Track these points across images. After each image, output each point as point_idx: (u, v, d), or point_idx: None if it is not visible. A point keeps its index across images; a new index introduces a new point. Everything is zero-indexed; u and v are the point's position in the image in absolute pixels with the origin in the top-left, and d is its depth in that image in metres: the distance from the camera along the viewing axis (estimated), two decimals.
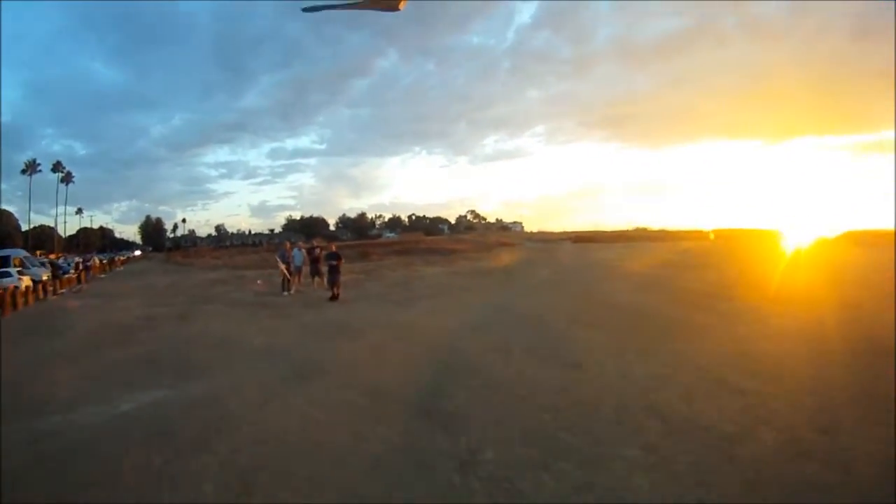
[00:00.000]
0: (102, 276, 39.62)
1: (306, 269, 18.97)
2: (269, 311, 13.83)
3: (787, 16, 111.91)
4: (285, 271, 18.17)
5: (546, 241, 76.81)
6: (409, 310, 13.08)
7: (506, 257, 36.98)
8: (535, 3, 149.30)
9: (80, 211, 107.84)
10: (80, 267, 36.78)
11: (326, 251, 17.39)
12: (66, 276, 30.23)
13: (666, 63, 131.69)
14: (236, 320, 12.61)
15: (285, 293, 17.53)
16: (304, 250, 19.30)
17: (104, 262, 49.15)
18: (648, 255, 34.87)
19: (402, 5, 3.66)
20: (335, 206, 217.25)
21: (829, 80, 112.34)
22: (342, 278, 16.19)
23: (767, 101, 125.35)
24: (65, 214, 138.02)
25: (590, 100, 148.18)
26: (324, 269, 17.64)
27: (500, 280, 20.91)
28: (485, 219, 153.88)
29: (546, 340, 8.95)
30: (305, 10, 3.78)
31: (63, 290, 24.44)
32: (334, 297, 15.27)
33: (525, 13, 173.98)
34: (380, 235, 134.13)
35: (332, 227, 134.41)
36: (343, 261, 16.35)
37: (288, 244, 19.81)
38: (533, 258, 36.55)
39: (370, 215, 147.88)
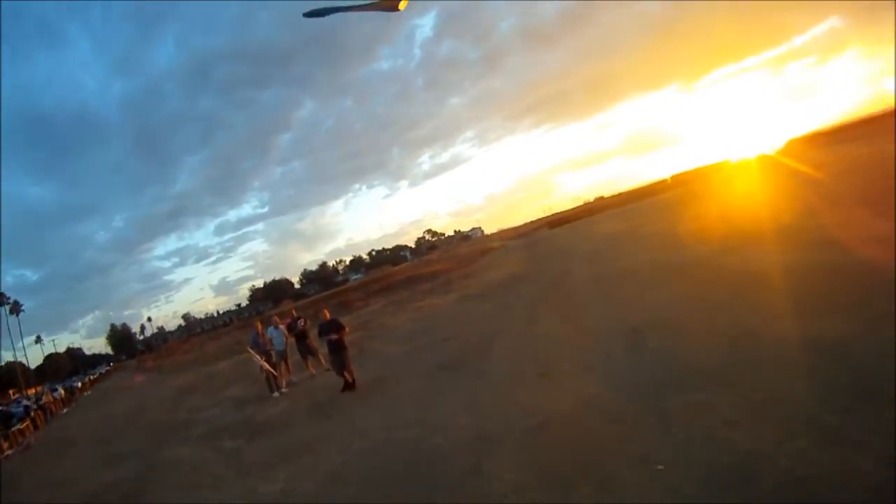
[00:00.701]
0: (65, 410, 33.95)
1: (293, 353, 13.84)
2: (265, 442, 8.65)
3: None
4: (266, 365, 12.70)
5: (521, 235, 72.79)
6: (482, 382, 8.11)
7: (507, 262, 32.35)
8: (433, 14, 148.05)
9: (38, 339, 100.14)
10: (35, 409, 30.48)
11: (321, 321, 11.17)
12: (18, 426, 24.10)
13: (572, 36, 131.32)
14: (217, 481, 7.40)
15: (276, 394, 12.36)
16: (282, 327, 13.74)
17: (63, 394, 42.39)
18: (643, 217, 31.55)
19: (402, 5, 3.70)
20: (294, 265, 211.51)
21: (735, 7, 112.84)
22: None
23: (681, 43, 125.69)
24: (23, 347, 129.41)
25: (509, 92, 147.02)
26: (317, 345, 12.73)
27: (544, 288, 16.12)
28: (443, 234, 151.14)
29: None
30: (307, 15, 3.72)
31: (9, 452, 18.52)
32: (349, 387, 10.20)
33: (426, 26, 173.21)
34: (347, 280, 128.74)
35: (297, 286, 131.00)
36: (347, 329, 10.68)
37: (258, 324, 14.01)
38: (538, 253, 32.20)
39: (331, 263, 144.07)
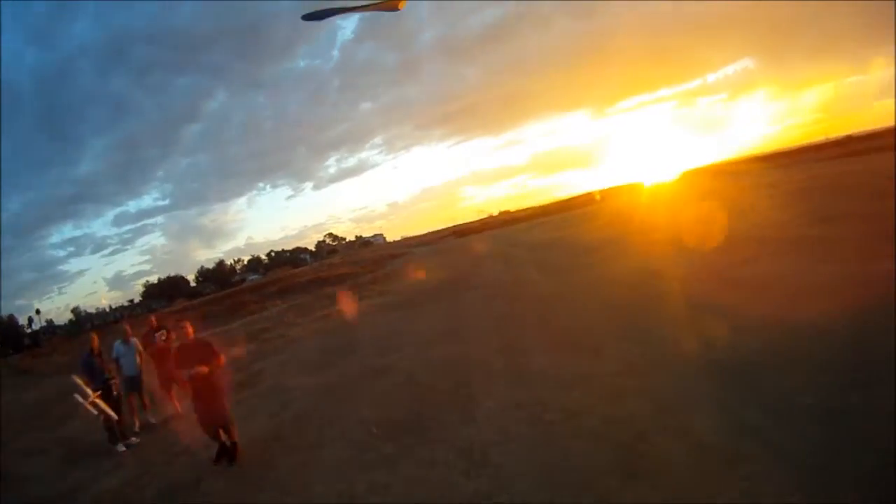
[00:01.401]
0: None
1: (151, 379, 9.05)
2: None
3: None
4: (102, 405, 7.70)
5: (426, 243, 69.59)
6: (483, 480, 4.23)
7: (425, 266, 28.77)
8: (357, 16, 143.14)
9: None
10: None
11: (180, 341, 6.21)
12: None
13: (491, 52, 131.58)
14: None
15: (120, 446, 7.74)
16: (134, 340, 8.87)
17: None
18: (572, 226, 29.49)
19: (402, 5, 3.78)
20: (192, 262, 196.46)
21: (650, 40, 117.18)
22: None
23: (598, 69, 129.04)
24: None
25: (422, 101, 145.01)
26: (186, 373, 6.18)
27: (497, 297, 12.40)
28: (344, 239, 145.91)
29: None
30: (305, 18, 3.68)
31: None
32: (226, 454, 5.92)
33: (347, 29, 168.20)
34: (243, 280, 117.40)
35: (193, 284, 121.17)
36: (222, 360, 5.97)
37: (94, 337, 8.47)
38: (458, 259, 28.85)
39: (229, 261, 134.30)
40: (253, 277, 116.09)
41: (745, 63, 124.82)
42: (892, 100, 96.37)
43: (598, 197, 63.74)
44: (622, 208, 36.87)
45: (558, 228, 32.82)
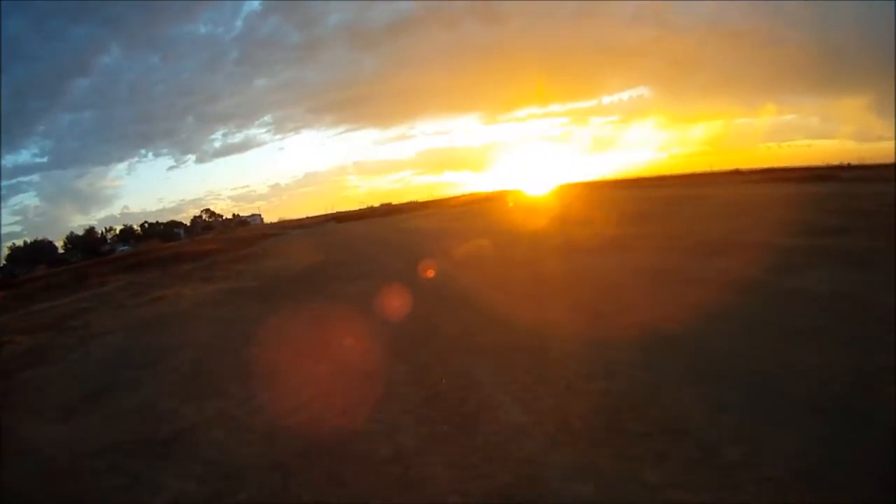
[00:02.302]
0: None
1: None
2: None
3: None
4: None
5: (304, 226, 65.03)
6: None
7: (296, 249, 25.11)
8: None
9: None
10: None
11: None
12: None
13: (394, 45, 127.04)
14: None
15: None
16: None
17: None
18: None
19: None
20: (65, 227, 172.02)
21: (553, 56, 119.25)
22: None
23: (494, 76, 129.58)
24: None
25: (318, 85, 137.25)
26: None
27: (387, 287, 9.60)
28: (221, 216, 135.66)
29: None
30: None
31: None
32: None
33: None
34: (113, 250, 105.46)
35: (60, 250, 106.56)
36: None
37: None
38: (333, 241, 25.42)
39: (100, 229, 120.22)
40: (122, 248, 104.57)
41: (641, 91, 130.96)
42: (776, 143, 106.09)
43: (475, 197, 63.57)
44: (500, 210, 37.16)
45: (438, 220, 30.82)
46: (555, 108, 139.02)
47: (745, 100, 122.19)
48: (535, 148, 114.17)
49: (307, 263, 16.54)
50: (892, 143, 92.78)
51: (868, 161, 56.31)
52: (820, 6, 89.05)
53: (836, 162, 60.21)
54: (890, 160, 54.62)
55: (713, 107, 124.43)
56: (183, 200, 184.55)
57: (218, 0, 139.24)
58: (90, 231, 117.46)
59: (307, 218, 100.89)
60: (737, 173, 58.90)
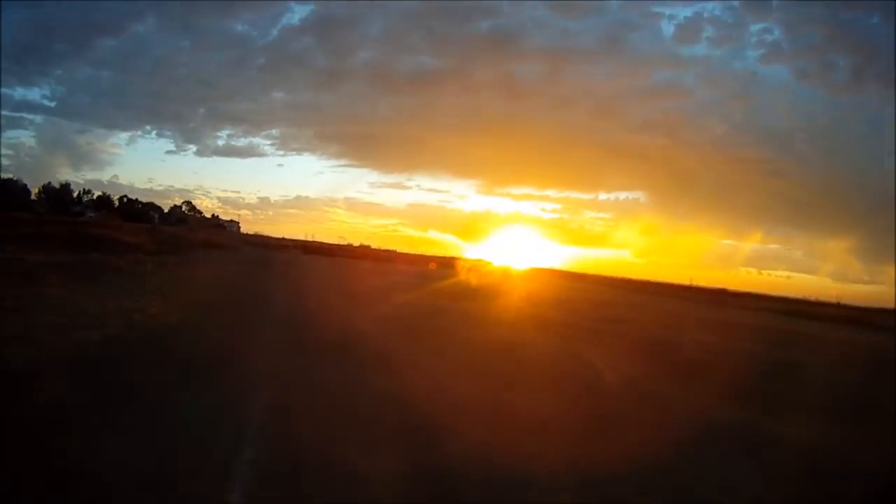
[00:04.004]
0: None
1: None
2: None
3: (537, 80, 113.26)
4: None
5: (267, 246, 59.34)
6: None
7: (210, 273, 19.60)
8: (310, 7, 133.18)
9: None
10: None
11: None
12: None
13: (413, 95, 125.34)
14: None
15: None
16: None
17: None
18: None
19: None
20: (51, 176, 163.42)
21: (561, 144, 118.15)
22: None
23: (502, 149, 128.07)
24: None
25: (331, 114, 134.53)
26: None
27: None
28: (201, 213, 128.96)
29: None
30: None
31: None
32: None
33: (296, 15, 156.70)
34: (82, 213, 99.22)
35: (33, 197, 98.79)
36: None
37: None
38: (261, 280, 20.01)
39: (80, 189, 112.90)
40: (90, 214, 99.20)
41: (637, 194, 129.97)
42: (756, 270, 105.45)
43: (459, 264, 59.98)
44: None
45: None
46: (551, 192, 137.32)
47: (734, 222, 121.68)
48: (523, 226, 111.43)
49: (192, 303, 11.18)
50: (871, 287, 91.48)
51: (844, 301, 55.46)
52: (820, 149, 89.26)
53: (812, 297, 59.38)
54: (865, 304, 53.59)
55: (702, 223, 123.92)
56: (172, 187, 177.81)
57: (261, 3, 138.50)
58: (65, 186, 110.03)
59: (282, 238, 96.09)
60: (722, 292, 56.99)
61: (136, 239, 31.25)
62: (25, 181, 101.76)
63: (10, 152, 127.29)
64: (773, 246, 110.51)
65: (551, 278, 46.10)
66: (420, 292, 18.79)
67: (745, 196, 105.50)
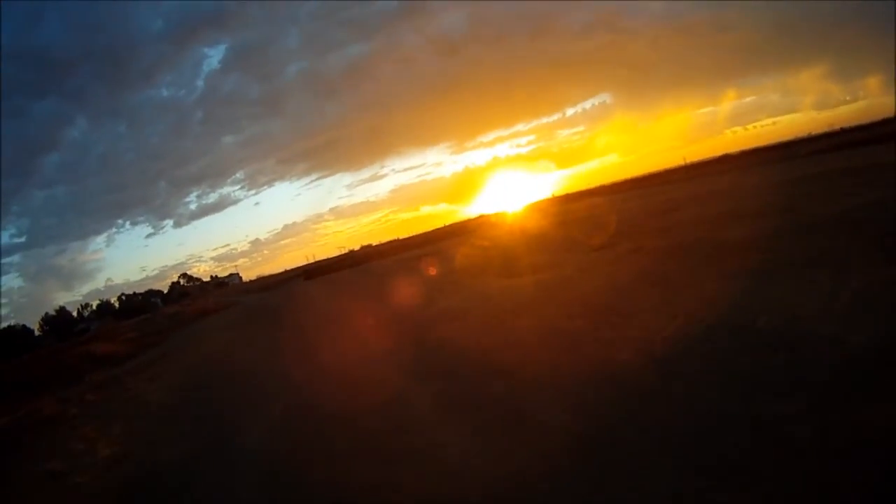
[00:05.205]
0: None
1: None
2: None
3: (464, 27, 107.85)
4: None
5: (267, 288, 55.38)
6: None
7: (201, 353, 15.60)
8: (224, 45, 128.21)
9: None
10: None
11: None
12: None
13: (354, 88, 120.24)
14: None
15: None
16: None
17: None
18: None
19: None
20: (50, 306, 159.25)
21: (511, 77, 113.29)
22: None
23: (459, 106, 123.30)
24: None
25: (285, 136, 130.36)
26: None
27: None
28: (199, 279, 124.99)
29: None
30: None
31: None
32: None
33: (214, 58, 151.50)
34: (87, 329, 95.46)
35: (37, 333, 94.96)
36: None
37: None
38: (265, 335, 16.00)
39: (78, 306, 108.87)
40: (94, 326, 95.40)
41: (603, 98, 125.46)
42: (741, 127, 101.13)
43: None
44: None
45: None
46: (520, 127, 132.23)
47: (705, 90, 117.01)
48: (505, 169, 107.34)
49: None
50: (856, 105, 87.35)
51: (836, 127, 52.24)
52: None
53: (803, 135, 55.73)
54: (855, 122, 50.49)
55: (675, 101, 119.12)
56: (165, 267, 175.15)
57: (175, 59, 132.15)
58: (61, 310, 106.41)
59: (283, 272, 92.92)
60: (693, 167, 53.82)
61: (112, 347, 26.79)
62: (27, 322, 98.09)
63: (5, 300, 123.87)
64: (749, 98, 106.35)
65: (563, 207, 41.88)
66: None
67: (705, 61, 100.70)
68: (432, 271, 19.91)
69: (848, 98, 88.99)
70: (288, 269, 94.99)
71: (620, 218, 19.17)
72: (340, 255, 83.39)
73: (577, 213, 30.21)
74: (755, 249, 8.48)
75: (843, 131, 49.87)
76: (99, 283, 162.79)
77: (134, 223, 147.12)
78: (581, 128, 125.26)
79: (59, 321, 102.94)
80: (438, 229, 67.17)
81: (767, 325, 4.83)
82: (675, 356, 4.60)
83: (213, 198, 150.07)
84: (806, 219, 9.95)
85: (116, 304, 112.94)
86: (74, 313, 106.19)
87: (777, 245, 8.32)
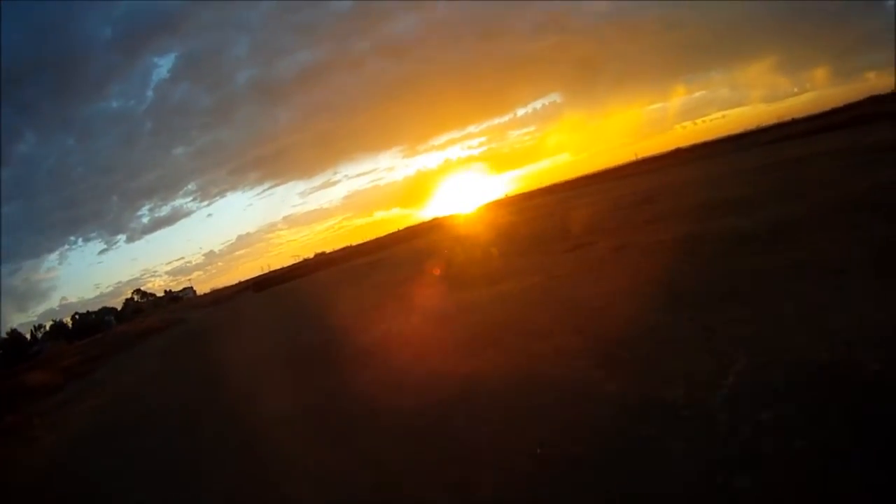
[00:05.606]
0: None
1: None
2: None
3: (414, 30, 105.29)
4: None
5: (217, 302, 51.78)
6: None
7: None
8: (173, 54, 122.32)
9: None
10: None
11: None
12: None
13: (304, 94, 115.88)
14: None
15: None
16: None
17: None
18: None
19: None
20: (2, 328, 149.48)
21: (462, 79, 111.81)
22: None
23: (410, 109, 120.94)
24: None
25: (236, 145, 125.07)
26: None
27: None
28: (153, 295, 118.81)
29: None
30: None
31: None
32: None
33: (163, 67, 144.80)
34: (40, 351, 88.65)
35: None
36: None
37: None
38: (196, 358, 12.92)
39: (31, 328, 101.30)
40: (48, 347, 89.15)
41: (553, 97, 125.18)
42: (691, 122, 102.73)
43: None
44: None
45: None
46: (471, 128, 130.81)
47: (655, 86, 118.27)
48: (457, 172, 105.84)
49: None
50: (804, 96, 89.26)
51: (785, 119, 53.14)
52: None
53: (752, 128, 56.42)
54: (803, 114, 51.54)
55: (624, 98, 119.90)
56: (119, 283, 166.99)
57: (126, 72, 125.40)
58: (13, 333, 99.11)
59: (236, 284, 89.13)
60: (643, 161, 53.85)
61: (45, 377, 23.33)
62: None
63: None
64: (699, 93, 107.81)
65: (519, 206, 40.39)
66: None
67: (653, 58, 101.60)
68: (378, 278, 17.54)
69: (796, 90, 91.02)
70: (242, 280, 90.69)
71: (588, 213, 17.38)
72: (295, 265, 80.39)
73: (537, 210, 28.48)
74: (778, 241, 6.52)
75: (795, 122, 50.46)
76: (54, 302, 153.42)
77: (87, 239, 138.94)
78: (532, 128, 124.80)
79: (11, 344, 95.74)
80: (391, 234, 64.78)
81: None
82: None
83: (165, 210, 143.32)
84: (822, 202, 8.10)
85: (70, 324, 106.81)
86: (28, 335, 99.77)
87: (805, 237, 6.38)
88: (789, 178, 12.44)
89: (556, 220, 18.01)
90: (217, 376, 9.72)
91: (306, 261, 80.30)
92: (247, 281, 78.28)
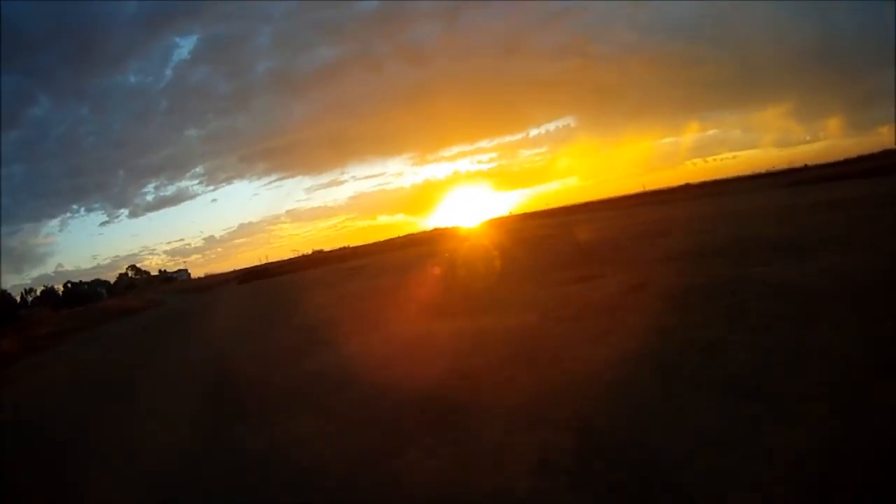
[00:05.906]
0: None
1: None
2: None
3: (436, 37, 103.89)
4: None
5: (199, 289, 49.93)
6: None
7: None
8: (195, 36, 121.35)
9: None
10: None
11: None
12: None
13: (322, 91, 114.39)
14: None
15: None
16: None
17: None
18: None
19: None
20: None
21: (478, 94, 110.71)
22: None
23: (424, 117, 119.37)
24: None
25: (248, 134, 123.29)
26: None
27: None
28: (147, 273, 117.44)
29: None
30: None
31: None
32: None
33: (185, 48, 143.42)
34: (30, 315, 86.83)
35: None
36: None
37: None
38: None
39: (22, 290, 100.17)
40: (34, 313, 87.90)
41: (567, 120, 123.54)
42: (702, 159, 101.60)
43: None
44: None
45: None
46: (483, 143, 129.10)
47: (669, 120, 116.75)
48: (465, 185, 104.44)
49: None
50: (816, 144, 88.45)
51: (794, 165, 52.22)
52: (733, 26, 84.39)
53: (762, 171, 55.33)
54: (814, 161, 50.64)
55: (638, 129, 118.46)
56: (117, 257, 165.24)
57: (147, 49, 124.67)
58: (3, 294, 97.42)
59: (231, 272, 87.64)
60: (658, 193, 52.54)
61: (9, 345, 21.59)
62: None
63: None
64: (712, 131, 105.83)
65: (522, 225, 38.87)
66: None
67: (670, 92, 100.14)
68: (353, 286, 15.70)
69: (808, 137, 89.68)
70: (238, 268, 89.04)
71: (596, 239, 15.61)
72: (291, 259, 79.27)
73: (541, 231, 26.68)
74: (859, 302, 4.68)
75: (807, 168, 49.17)
76: (49, 268, 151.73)
77: (89, 209, 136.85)
78: (544, 148, 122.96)
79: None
80: (390, 240, 63.20)
81: None
82: None
83: (170, 190, 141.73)
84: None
85: (61, 292, 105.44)
86: (18, 298, 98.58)
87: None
88: (832, 222, 10.60)
89: (561, 244, 16.21)
90: (124, 393, 7.86)
91: (303, 256, 79.11)
92: (241, 270, 76.63)
